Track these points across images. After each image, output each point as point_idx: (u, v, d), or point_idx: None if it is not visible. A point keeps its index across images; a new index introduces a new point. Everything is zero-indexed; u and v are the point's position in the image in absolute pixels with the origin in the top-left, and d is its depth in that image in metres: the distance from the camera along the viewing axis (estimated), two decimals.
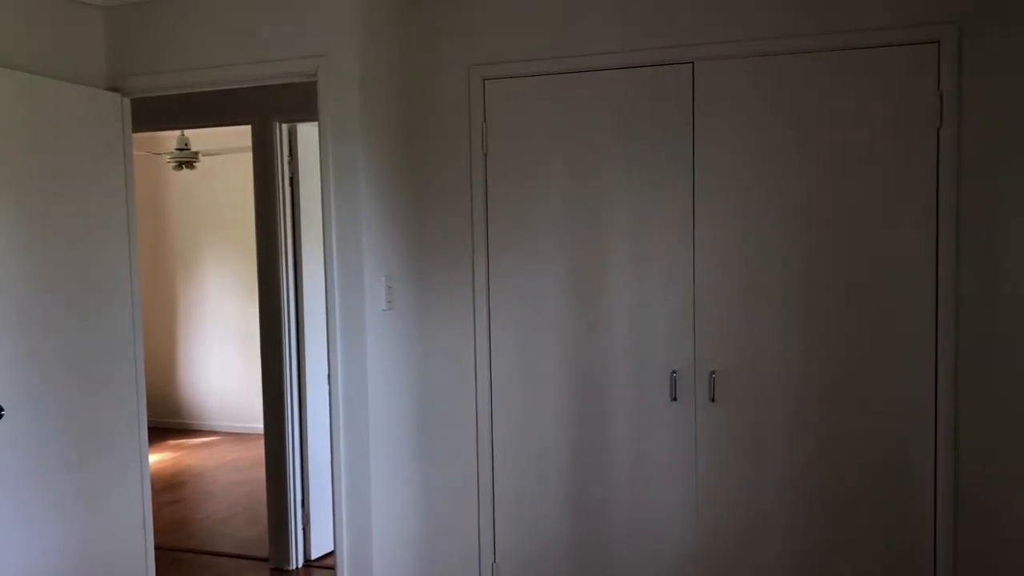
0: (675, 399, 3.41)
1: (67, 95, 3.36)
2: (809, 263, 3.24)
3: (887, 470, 3.20)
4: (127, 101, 3.63)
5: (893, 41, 3.10)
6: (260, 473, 6.30)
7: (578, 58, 3.44)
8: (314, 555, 4.67)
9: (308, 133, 4.57)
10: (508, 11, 3.53)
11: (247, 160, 7.18)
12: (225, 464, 6.97)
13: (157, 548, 3.92)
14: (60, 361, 3.30)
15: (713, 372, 3.36)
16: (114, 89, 3.60)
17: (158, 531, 4.98)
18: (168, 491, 6.16)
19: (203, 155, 7.67)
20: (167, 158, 7.52)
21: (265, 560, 4.67)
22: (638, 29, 3.37)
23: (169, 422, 8.29)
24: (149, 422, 3.77)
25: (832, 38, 3.15)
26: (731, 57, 3.26)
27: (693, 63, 3.31)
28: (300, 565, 4.63)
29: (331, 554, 4.66)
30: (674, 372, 3.41)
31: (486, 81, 3.58)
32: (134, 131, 3.70)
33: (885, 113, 3.13)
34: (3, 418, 3.03)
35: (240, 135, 7.04)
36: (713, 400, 3.37)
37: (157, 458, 7.09)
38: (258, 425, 7.49)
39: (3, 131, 3.09)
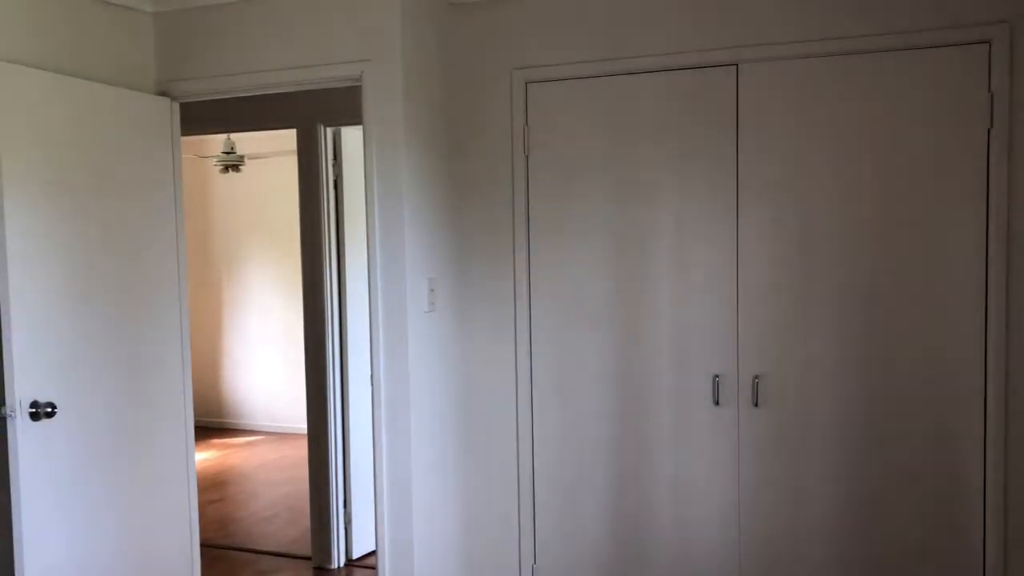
0: (718, 403, 3.39)
1: (118, 99, 3.42)
2: (855, 265, 3.20)
3: (934, 476, 3.15)
4: (176, 105, 3.69)
5: (943, 41, 3.05)
6: (302, 473, 6.35)
7: (621, 61, 3.43)
8: (356, 554, 4.71)
9: (352, 136, 4.61)
10: (550, 15, 3.53)
11: (292, 163, 7.26)
12: (268, 463, 7.06)
13: (200, 545, 3.98)
14: (110, 362, 3.37)
15: (756, 376, 3.33)
16: (163, 93, 3.66)
17: (201, 528, 5.05)
18: (212, 489, 6.26)
19: (248, 158, 7.77)
20: (213, 161, 7.64)
21: (307, 559, 4.72)
22: (681, 32, 3.35)
23: (213, 421, 8.41)
24: (194, 421, 3.83)
25: (880, 39, 3.11)
26: (776, 59, 3.23)
27: (737, 65, 3.29)
28: (342, 564, 4.67)
29: (373, 554, 4.69)
30: (717, 376, 3.38)
31: (528, 84, 3.58)
32: (181, 134, 3.76)
33: (934, 114, 3.08)
34: (57, 416, 3.10)
35: (285, 138, 7.12)
36: (757, 405, 3.34)
37: (201, 457, 7.20)
38: (301, 425, 7.55)
39: (55, 135, 3.16)
